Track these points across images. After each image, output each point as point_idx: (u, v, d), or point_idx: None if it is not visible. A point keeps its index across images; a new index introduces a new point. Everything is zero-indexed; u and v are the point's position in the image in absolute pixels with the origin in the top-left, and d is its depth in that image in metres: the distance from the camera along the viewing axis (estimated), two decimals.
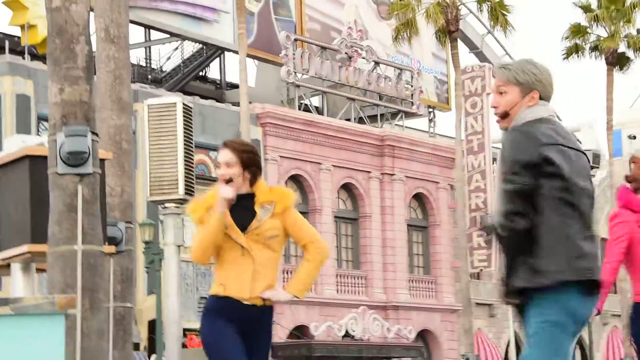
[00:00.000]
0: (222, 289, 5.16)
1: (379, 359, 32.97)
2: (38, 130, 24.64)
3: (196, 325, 26.43)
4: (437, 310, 34.89)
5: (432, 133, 40.06)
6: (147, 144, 10.43)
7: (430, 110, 40.03)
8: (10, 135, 20.94)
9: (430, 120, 40.39)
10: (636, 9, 36.85)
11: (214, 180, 28.93)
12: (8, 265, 8.22)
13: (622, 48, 36.97)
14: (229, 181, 5.30)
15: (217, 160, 5.46)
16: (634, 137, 45.14)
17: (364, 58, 35.96)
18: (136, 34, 35.24)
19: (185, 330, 20.76)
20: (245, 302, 5.14)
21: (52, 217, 7.34)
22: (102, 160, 8.21)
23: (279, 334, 29.61)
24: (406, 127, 38.55)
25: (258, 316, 5.21)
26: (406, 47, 37.98)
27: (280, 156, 31.13)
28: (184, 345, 17.41)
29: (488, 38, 46.25)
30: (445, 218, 35.93)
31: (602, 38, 36.88)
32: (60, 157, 7.15)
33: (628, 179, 6.30)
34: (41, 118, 23.97)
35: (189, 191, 10.38)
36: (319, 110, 36.62)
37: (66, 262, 7.13)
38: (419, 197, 35.82)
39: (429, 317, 34.49)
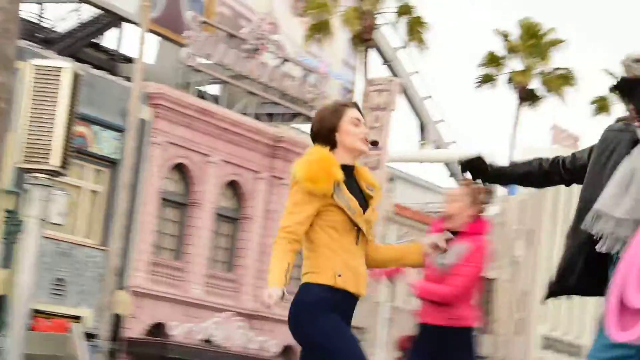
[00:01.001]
0: (341, 281, 4.59)
1: None
2: None
3: (48, 308, 26.00)
4: None
5: None
6: (26, 106, 10.23)
7: None
8: None
9: None
10: (553, 46, 37.79)
11: (92, 155, 28.50)
12: None
13: (534, 84, 37.88)
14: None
15: None
16: None
17: (271, 52, 35.95)
18: None
19: (35, 311, 20.35)
20: (357, 298, 4.67)
21: None
22: None
23: (135, 328, 29.31)
24: (303, 131, 38.68)
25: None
26: (317, 49, 38.16)
27: (168, 141, 30.84)
28: (31, 328, 17.02)
29: (401, 53, 46.84)
30: None
31: (515, 71, 37.70)
32: None
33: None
34: None
35: (64, 163, 10.20)
36: (215, 99, 36.44)
37: None
38: None
39: None
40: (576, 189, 4.65)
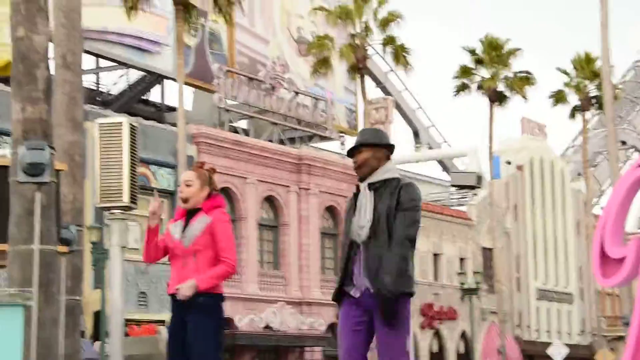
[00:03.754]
0: None
1: (294, 347, 32.94)
2: (3, 146, 24.07)
3: (137, 316, 26.11)
4: None
5: (342, 154, 40.29)
6: (97, 157, 10.29)
7: (341, 134, 40.26)
8: None
9: (341, 143, 40.61)
10: (512, 55, 37.74)
11: (153, 190, 28.61)
12: None
13: (501, 87, 37.72)
14: None
15: None
16: (510, 163, 46.12)
17: (285, 88, 36.02)
18: (88, 61, 34.72)
19: (127, 320, 20.45)
20: None
21: (12, 220, 7.19)
22: (58, 171, 8.08)
23: None
24: (320, 148, 38.69)
25: None
26: (322, 81, 38.22)
27: None
28: (126, 334, 17.13)
29: (391, 75, 46.80)
30: None
31: (484, 79, 37.60)
32: (21, 167, 7.03)
33: None
34: (2, 133, 23.40)
35: (133, 199, 10.26)
36: (246, 132, 36.53)
37: (24, 260, 6.99)
38: (330, 209, 35.96)
39: (337, 312, 34.54)
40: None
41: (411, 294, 4.74)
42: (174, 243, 5.46)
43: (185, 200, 5.55)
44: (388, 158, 4.93)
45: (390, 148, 4.94)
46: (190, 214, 5.54)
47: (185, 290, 5.35)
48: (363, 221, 4.80)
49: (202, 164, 5.66)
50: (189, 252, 5.44)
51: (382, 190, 4.80)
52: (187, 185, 5.55)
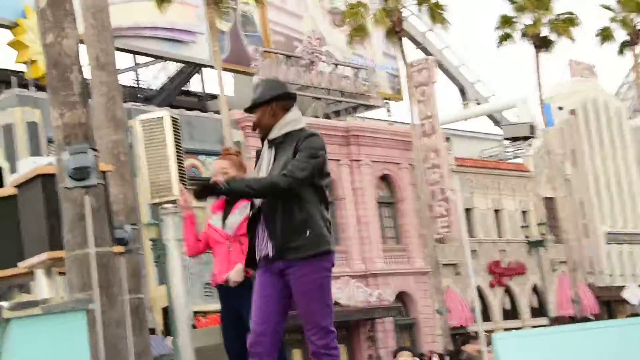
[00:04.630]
0: None
1: (364, 321, 33.02)
2: (49, 153, 24.46)
3: (202, 307, 26.40)
4: (410, 274, 34.98)
5: (389, 121, 40.07)
6: (142, 154, 10.35)
7: (386, 101, 40.05)
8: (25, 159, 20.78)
9: (387, 110, 40.39)
10: None
11: (205, 179, 28.82)
12: (31, 272, 8.16)
13: (545, 32, 37.09)
14: None
15: None
16: (562, 108, 45.36)
17: (324, 62, 35.88)
18: (125, 60, 35.02)
19: (194, 312, 20.69)
20: None
21: (65, 226, 7.27)
22: (104, 172, 8.14)
23: None
24: (366, 118, 38.52)
25: None
26: (360, 49, 37.96)
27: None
28: (194, 327, 17.35)
29: (429, 34, 46.31)
30: (409, 194, 36.01)
31: (526, 25, 37.01)
32: (67, 173, 7.09)
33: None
34: (50, 141, 23.78)
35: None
36: None
37: (81, 264, 7.07)
38: (385, 178, 35.86)
39: (403, 280, 34.57)
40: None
41: (318, 255, 4.44)
42: (217, 232, 5.49)
43: None
44: (286, 109, 4.64)
45: (285, 98, 4.63)
46: (229, 203, 5.56)
47: (235, 275, 5.35)
48: None
49: (228, 150, 5.68)
50: (233, 240, 5.47)
51: (284, 146, 4.56)
52: (224, 174, 5.56)
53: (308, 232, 4.43)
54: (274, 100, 4.64)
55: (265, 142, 4.64)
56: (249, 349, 4.55)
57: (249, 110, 4.76)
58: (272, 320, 4.54)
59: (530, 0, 37.02)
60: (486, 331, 29.63)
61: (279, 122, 4.61)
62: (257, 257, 4.56)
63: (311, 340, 4.47)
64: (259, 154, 4.66)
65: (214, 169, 5.70)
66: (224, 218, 5.55)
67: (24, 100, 25.48)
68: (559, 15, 37.20)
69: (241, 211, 5.53)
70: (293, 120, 4.64)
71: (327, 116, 35.58)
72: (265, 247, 4.52)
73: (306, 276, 4.45)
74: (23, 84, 27.71)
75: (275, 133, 4.61)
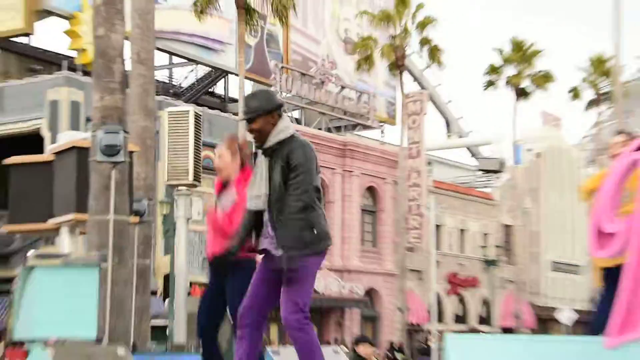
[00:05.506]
0: None
1: (335, 308, 33.02)
2: (86, 129, 24.46)
3: (199, 279, 26.38)
4: (380, 274, 35.00)
5: (382, 141, 40.12)
6: (166, 141, 10.40)
7: (382, 124, 40.08)
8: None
9: (381, 132, 40.44)
10: (535, 55, 37.26)
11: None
12: (58, 229, 8.20)
13: (526, 83, 37.22)
14: None
15: None
16: (530, 150, 45.45)
17: (333, 83, 35.92)
18: (162, 58, 35.03)
19: (191, 282, 20.68)
20: None
21: (92, 193, 7.32)
22: (131, 152, 8.18)
23: None
24: (362, 136, 38.56)
25: None
26: (365, 76, 38.04)
27: None
28: (189, 294, 17.35)
29: (426, 72, 46.42)
30: (389, 206, 36.03)
31: (510, 76, 37.14)
32: (99, 148, 7.13)
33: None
34: (88, 120, 23.82)
35: (197, 178, 10.36)
36: (298, 121, 36.57)
37: (101, 228, 7.12)
38: (370, 189, 35.88)
39: (374, 278, 34.59)
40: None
41: (315, 253, 4.33)
42: (214, 212, 5.45)
43: (219, 171, 5.50)
44: (280, 117, 4.40)
45: (280, 107, 4.41)
46: (224, 186, 5.53)
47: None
48: (259, 191, 4.32)
49: (234, 137, 5.62)
50: (225, 217, 5.45)
51: (277, 154, 4.30)
52: (220, 157, 5.52)
53: (315, 230, 4.38)
54: (275, 110, 4.40)
55: (260, 153, 4.37)
56: (238, 320, 4.47)
57: (251, 119, 4.36)
58: (261, 299, 4.45)
59: (517, 55, 37.20)
60: (438, 330, 29.67)
61: (273, 130, 4.35)
62: (261, 246, 4.43)
63: (286, 315, 4.35)
64: (255, 155, 4.47)
65: (216, 152, 5.66)
66: (220, 199, 5.51)
67: (71, 81, 25.56)
68: (539, 71, 37.39)
69: (229, 197, 5.48)
70: (285, 127, 4.41)
71: (329, 130, 35.62)
72: (269, 241, 4.40)
73: (305, 268, 4.38)
74: (72, 68, 27.70)
75: (270, 142, 4.34)
